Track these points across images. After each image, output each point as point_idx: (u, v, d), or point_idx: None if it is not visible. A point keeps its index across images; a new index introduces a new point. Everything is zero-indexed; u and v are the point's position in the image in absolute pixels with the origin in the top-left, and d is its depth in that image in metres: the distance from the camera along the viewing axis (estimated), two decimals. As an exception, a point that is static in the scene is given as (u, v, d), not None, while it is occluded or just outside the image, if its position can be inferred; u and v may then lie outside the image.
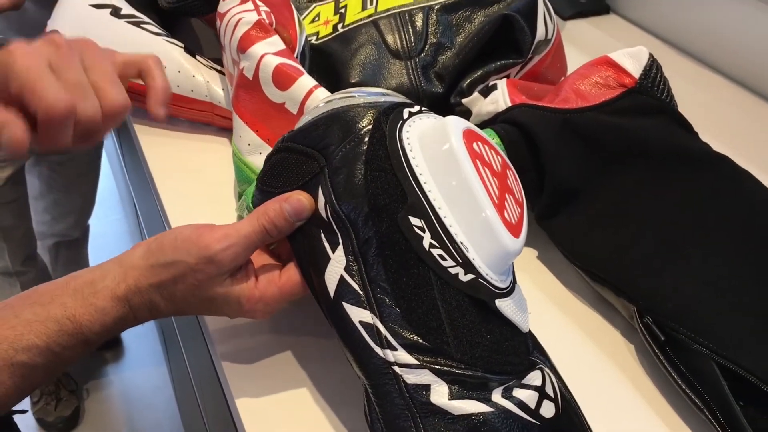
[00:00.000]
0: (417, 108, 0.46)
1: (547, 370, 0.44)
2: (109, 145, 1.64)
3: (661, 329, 0.51)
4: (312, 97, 0.58)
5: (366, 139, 0.44)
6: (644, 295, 0.52)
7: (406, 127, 0.44)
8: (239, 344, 0.55)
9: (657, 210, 0.57)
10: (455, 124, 0.44)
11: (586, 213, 0.58)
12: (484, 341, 0.41)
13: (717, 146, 0.61)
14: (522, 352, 0.44)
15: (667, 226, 0.56)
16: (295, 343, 0.54)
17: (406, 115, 0.45)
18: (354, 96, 0.48)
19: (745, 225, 0.55)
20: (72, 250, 1.67)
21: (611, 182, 0.59)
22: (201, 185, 0.71)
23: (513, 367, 0.42)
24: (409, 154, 0.43)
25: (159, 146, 0.77)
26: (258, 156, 0.62)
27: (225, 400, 0.55)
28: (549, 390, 0.42)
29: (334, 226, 0.43)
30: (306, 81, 0.59)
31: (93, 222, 1.71)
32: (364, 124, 0.44)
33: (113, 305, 0.44)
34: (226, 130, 0.76)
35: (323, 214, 0.44)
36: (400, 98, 0.50)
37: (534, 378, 0.42)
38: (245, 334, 0.56)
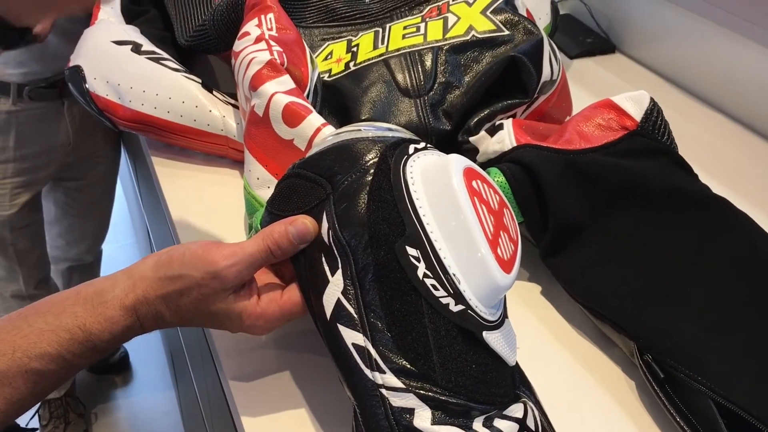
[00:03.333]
0: (422, 144, 0.49)
1: (530, 403, 0.45)
2: (123, 171, 1.67)
3: (661, 367, 0.52)
4: (320, 135, 0.61)
5: (371, 170, 0.46)
6: (644, 333, 0.53)
7: (410, 162, 0.46)
8: (248, 368, 0.56)
9: (656, 250, 0.58)
10: (457, 162, 0.46)
11: (587, 251, 0.60)
12: (470, 370, 0.43)
13: (717, 185, 0.63)
14: (506, 385, 0.45)
15: (666, 265, 0.57)
16: (303, 366, 0.56)
17: (411, 150, 0.47)
18: (361, 130, 0.50)
19: (742, 266, 0.56)
20: (85, 274, 1.69)
21: (612, 222, 0.60)
22: (215, 216, 0.73)
23: (496, 398, 0.44)
24: (411, 188, 0.45)
25: (175, 178, 0.79)
26: (267, 190, 0.64)
27: (234, 427, 0.56)
28: (530, 423, 0.43)
29: (335, 251, 0.45)
30: (314, 119, 0.62)
31: (105, 246, 1.73)
32: (370, 157, 0.46)
33: (121, 314, 0.46)
34: (241, 163, 0.78)
35: (325, 239, 0.46)
36: (406, 133, 0.52)
37: (516, 410, 0.43)
38: (255, 357, 0.57)
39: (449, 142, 0.73)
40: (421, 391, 0.42)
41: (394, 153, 0.47)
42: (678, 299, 0.55)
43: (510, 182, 0.62)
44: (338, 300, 0.44)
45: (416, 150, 0.47)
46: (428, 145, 0.49)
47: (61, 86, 1.24)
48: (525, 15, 0.81)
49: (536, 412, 0.45)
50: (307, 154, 0.57)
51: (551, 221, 0.60)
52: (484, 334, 0.43)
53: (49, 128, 1.30)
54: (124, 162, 1.65)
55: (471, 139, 0.71)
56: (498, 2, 0.79)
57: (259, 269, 0.48)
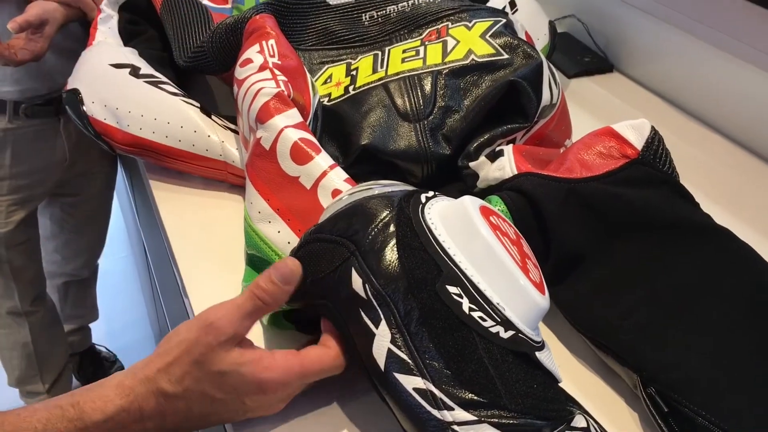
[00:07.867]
0: (431, 193, 0.52)
1: (585, 415, 0.48)
2: (119, 184, 1.66)
3: (665, 400, 0.52)
4: (327, 177, 0.60)
5: (392, 223, 0.48)
6: (647, 366, 0.53)
7: (426, 210, 0.49)
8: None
9: (659, 281, 0.58)
10: (472, 203, 0.49)
11: (589, 281, 0.60)
12: (532, 390, 0.45)
13: (712, 205, 0.63)
14: (562, 400, 0.47)
15: (670, 297, 0.57)
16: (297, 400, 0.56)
17: (423, 199, 0.50)
18: (371, 188, 0.53)
19: (746, 299, 0.56)
20: (81, 289, 1.69)
21: (614, 252, 0.60)
22: (214, 241, 0.73)
23: (560, 412, 0.46)
24: (435, 232, 0.47)
25: (173, 202, 0.79)
26: (267, 224, 0.63)
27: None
28: None
29: (375, 303, 0.47)
30: (323, 160, 0.62)
31: (101, 259, 1.72)
32: (386, 212, 0.49)
33: (117, 393, 0.46)
34: (239, 187, 0.78)
35: (362, 294, 0.47)
36: (408, 187, 0.55)
37: (579, 421, 0.46)
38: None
39: (449, 167, 0.72)
40: (494, 419, 0.43)
41: (409, 204, 0.49)
42: (681, 332, 0.55)
43: (511, 210, 0.62)
44: (389, 350, 0.45)
45: (427, 198, 0.51)
46: (436, 193, 0.52)
47: (57, 104, 1.24)
48: (524, 38, 0.81)
49: (594, 423, 0.47)
50: (312, 192, 0.60)
51: (553, 250, 0.60)
52: (537, 354, 0.46)
53: (46, 145, 1.29)
54: (121, 176, 1.64)
55: (471, 164, 0.71)
56: (497, 26, 0.79)
57: (253, 318, 0.48)
